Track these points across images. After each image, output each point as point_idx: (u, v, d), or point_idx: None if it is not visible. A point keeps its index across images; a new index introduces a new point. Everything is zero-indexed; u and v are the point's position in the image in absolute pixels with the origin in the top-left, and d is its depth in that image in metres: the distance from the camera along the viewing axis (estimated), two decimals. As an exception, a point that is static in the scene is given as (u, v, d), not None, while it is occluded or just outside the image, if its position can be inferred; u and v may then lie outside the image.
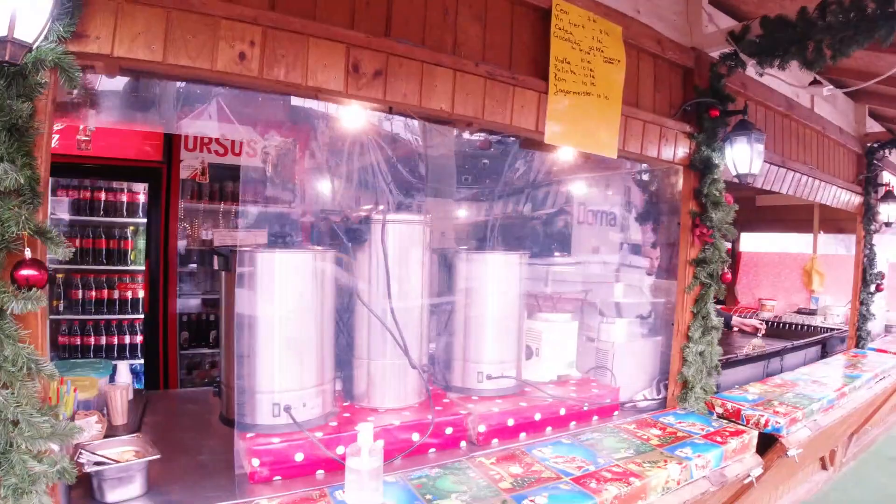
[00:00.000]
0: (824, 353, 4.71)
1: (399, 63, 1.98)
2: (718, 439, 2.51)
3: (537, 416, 2.51)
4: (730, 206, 2.85)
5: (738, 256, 6.68)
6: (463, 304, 2.61)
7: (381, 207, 2.32)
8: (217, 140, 4.42)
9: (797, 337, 4.73)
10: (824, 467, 4.58)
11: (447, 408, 2.36)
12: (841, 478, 4.65)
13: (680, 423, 2.71)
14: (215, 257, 2.13)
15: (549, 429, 2.55)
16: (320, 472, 1.95)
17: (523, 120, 2.28)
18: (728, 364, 3.75)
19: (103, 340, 4.31)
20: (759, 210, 6.30)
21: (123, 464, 1.73)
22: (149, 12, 1.52)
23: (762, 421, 2.79)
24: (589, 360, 3.05)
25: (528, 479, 1.96)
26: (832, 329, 4.97)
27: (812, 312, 5.79)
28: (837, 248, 6.20)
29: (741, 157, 2.77)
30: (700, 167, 2.83)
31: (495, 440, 2.37)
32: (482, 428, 2.34)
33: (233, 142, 4.43)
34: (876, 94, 4.58)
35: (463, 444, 2.29)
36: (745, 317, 5.24)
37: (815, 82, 3.86)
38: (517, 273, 2.66)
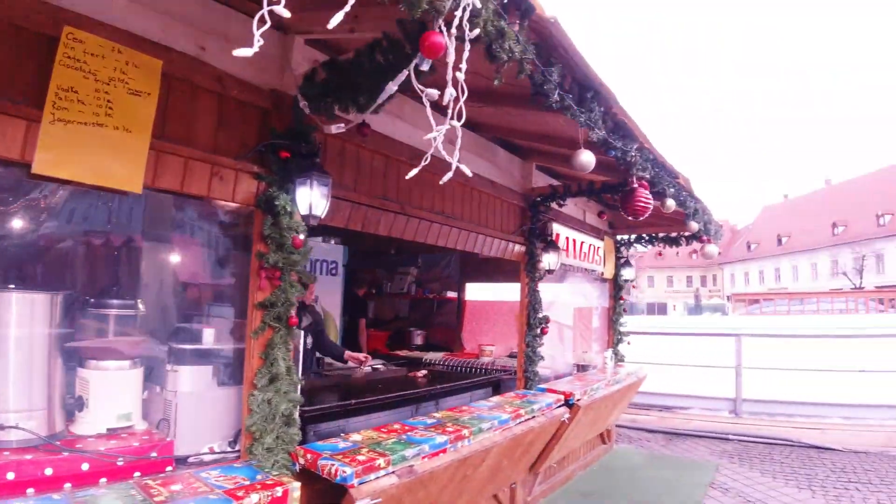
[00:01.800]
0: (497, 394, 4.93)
1: None
2: (240, 494, 2.35)
3: (48, 471, 2.25)
4: (299, 249, 2.82)
5: (463, 305, 6.99)
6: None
7: None
8: None
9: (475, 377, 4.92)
10: (502, 504, 4.71)
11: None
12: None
13: (220, 477, 2.52)
14: None
15: (67, 485, 2.28)
16: None
17: (3, 149, 2.05)
18: (361, 409, 3.73)
19: None
20: (481, 261, 6.66)
21: None
22: None
23: (333, 470, 2.71)
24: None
25: None
26: (500, 370, 5.27)
27: (521, 356, 6.14)
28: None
29: (303, 200, 2.77)
30: (265, 208, 2.79)
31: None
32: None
33: None
34: (539, 152, 5.08)
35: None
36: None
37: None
38: (44, 316, 2.42)
